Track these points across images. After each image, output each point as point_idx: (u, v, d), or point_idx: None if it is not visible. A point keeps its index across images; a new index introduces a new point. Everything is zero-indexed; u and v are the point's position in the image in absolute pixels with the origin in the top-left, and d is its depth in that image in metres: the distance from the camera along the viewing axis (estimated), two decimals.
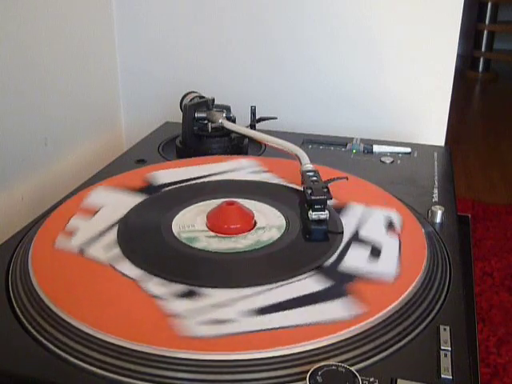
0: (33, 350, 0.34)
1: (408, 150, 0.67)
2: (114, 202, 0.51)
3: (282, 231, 0.46)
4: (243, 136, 0.65)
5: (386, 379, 0.31)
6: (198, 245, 0.43)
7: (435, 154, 0.66)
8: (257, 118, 0.69)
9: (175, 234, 0.45)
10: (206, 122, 0.65)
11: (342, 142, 0.70)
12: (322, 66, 0.81)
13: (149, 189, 0.54)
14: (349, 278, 0.39)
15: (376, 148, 0.67)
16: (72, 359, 0.33)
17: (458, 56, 0.77)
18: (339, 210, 0.49)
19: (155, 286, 0.38)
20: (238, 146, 0.66)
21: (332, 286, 0.38)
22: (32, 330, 0.35)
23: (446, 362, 0.32)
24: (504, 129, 1.57)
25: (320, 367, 0.30)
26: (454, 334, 0.35)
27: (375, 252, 0.43)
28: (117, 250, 0.43)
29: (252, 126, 0.68)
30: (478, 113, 1.78)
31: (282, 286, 0.38)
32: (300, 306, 0.36)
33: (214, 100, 0.67)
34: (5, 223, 0.65)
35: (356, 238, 0.45)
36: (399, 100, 0.79)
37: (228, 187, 0.54)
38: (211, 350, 0.32)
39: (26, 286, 0.39)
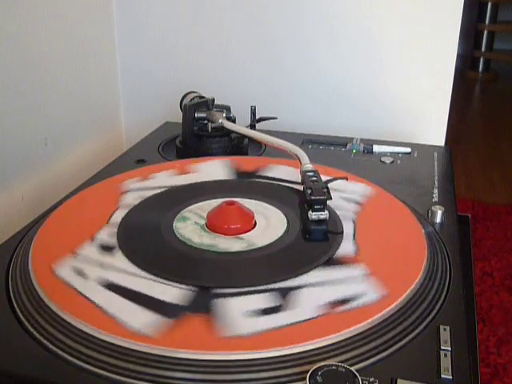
0: (33, 350, 0.34)
1: (408, 149, 0.67)
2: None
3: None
4: (243, 136, 0.65)
5: (385, 379, 0.31)
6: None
7: (435, 154, 0.66)
8: (257, 118, 0.69)
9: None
10: (205, 121, 0.65)
11: (342, 142, 0.70)
12: (322, 66, 0.81)
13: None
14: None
15: (376, 148, 0.67)
16: (72, 359, 0.33)
17: (458, 56, 0.77)
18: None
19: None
20: (238, 146, 0.66)
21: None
22: (32, 330, 0.35)
23: (445, 362, 0.32)
24: (504, 129, 1.57)
25: (320, 367, 0.30)
26: (454, 334, 0.35)
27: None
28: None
29: (252, 126, 0.68)
30: (478, 113, 1.78)
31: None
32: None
33: (213, 100, 0.67)
34: (5, 223, 0.65)
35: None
36: (399, 100, 0.80)
37: (228, 187, 0.54)
38: (211, 350, 0.32)
39: (26, 285, 0.39)
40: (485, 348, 0.64)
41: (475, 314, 0.46)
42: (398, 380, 0.31)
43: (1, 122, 0.63)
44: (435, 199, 0.54)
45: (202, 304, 0.36)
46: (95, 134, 0.83)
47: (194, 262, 0.42)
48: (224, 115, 0.65)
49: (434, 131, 0.80)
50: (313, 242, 0.44)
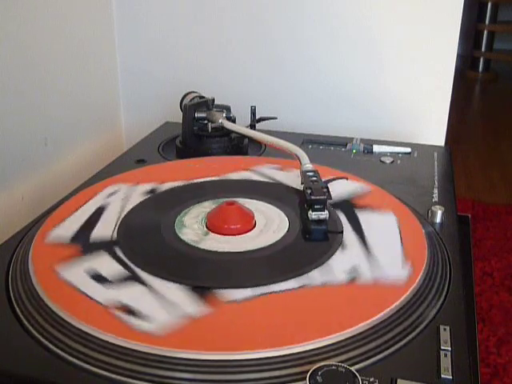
0: (33, 350, 0.34)
1: (408, 149, 0.67)
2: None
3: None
4: (243, 136, 0.65)
5: (385, 379, 0.31)
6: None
7: (435, 154, 0.66)
8: (257, 118, 0.69)
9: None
10: (205, 121, 0.65)
11: (342, 142, 0.70)
12: (322, 66, 0.81)
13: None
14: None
15: (376, 148, 0.67)
16: (72, 359, 0.33)
17: (458, 56, 0.77)
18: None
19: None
20: (238, 146, 0.66)
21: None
22: (32, 330, 0.35)
23: (446, 362, 0.32)
24: (504, 129, 1.57)
25: (320, 367, 0.30)
26: (454, 334, 0.35)
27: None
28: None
29: (252, 126, 0.68)
30: (478, 113, 1.78)
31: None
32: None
33: (213, 100, 0.67)
34: (5, 223, 0.65)
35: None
36: (399, 100, 0.80)
37: (228, 187, 0.54)
38: (211, 350, 0.32)
39: (26, 285, 0.39)
40: (485, 348, 0.64)
41: (475, 313, 0.46)
42: (398, 380, 0.31)
43: (1, 122, 0.63)
44: (435, 199, 0.54)
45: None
46: (95, 134, 0.83)
47: (194, 262, 0.42)
48: (224, 115, 0.65)
49: (433, 131, 0.80)
50: (313, 241, 0.44)
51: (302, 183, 0.49)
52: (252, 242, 0.44)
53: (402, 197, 0.53)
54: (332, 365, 0.31)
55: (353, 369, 0.30)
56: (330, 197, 0.45)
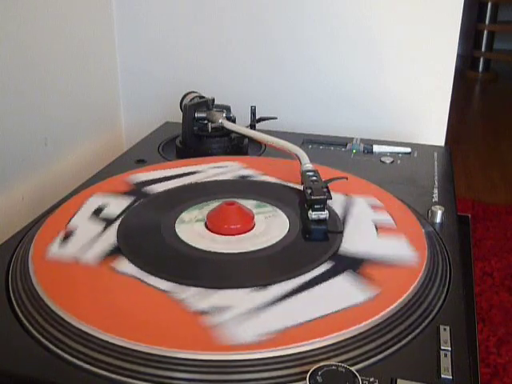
0: (33, 350, 0.34)
1: (408, 149, 0.67)
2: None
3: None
4: (243, 136, 0.65)
5: (385, 379, 0.31)
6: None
7: (435, 154, 0.66)
8: (257, 118, 0.69)
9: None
10: (206, 121, 0.65)
11: (342, 142, 0.70)
12: (322, 66, 0.81)
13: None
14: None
15: (376, 148, 0.67)
16: (72, 359, 0.33)
17: (458, 56, 0.77)
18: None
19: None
20: (238, 146, 0.66)
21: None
22: (32, 330, 0.35)
23: (445, 362, 0.32)
24: (504, 129, 1.57)
25: (320, 367, 0.30)
26: (454, 334, 0.35)
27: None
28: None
29: (252, 126, 0.68)
30: (478, 113, 1.78)
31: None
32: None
33: (213, 100, 0.67)
34: (5, 223, 0.65)
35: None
36: (399, 100, 0.79)
37: (228, 187, 0.54)
38: (211, 350, 0.32)
39: (26, 285, 0.39)
40: (485, 348, 0.64)
41: (475, 313, 0.46)
42: (398, 380, 0.31)
43: (1, 122, 0.63)
44: (435, 199, 0.54)
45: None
46: (95, 134, 0.83)
47: (194, 262, 0.42)
48: (224, 115, 0.65)
49: (433, 131, 0.80)
50: (313, 241, 0.44)
51: (302, 183, 0.50)
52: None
53: (402, 197, 0.53)
54: (332, 365, 0.31)
55: (353, 369, 0.30)
56: (330, 196, 0.45)
